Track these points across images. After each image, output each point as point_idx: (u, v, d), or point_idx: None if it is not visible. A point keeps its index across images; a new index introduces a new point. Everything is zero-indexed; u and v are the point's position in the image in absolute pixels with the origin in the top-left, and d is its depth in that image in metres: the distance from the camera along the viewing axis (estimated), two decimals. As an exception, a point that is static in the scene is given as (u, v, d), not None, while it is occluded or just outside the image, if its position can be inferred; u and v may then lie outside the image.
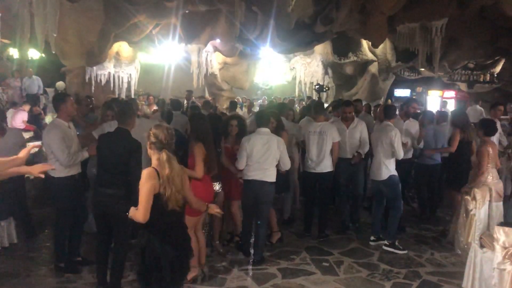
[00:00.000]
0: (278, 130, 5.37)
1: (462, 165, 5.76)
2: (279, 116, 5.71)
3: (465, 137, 5.82)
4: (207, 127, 4.33)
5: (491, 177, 4.68)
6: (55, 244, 4.63)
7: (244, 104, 14.58)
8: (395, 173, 5.39)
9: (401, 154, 5.30)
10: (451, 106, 14.39)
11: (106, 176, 3.99)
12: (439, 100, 15.95)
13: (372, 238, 5.56)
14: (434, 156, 6.47)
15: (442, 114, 7.05)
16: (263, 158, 4.69)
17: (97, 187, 4.09)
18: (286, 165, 4.92)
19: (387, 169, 5.34)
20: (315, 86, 11.49)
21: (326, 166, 5.56)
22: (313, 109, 6.28)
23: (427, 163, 6.53)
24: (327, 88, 13.20)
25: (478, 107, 12.46)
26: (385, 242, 5.37)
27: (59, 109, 4.44)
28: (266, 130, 4.84)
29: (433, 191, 6.78)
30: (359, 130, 5.88)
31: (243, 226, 5.03)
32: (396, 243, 5.34)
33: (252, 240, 4.94)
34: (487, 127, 4.97)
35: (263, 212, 4.87)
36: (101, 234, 4.15)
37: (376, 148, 5.46)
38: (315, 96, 12.90)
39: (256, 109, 11.94)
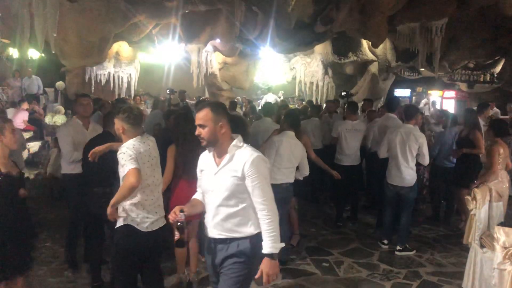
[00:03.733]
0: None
1: (471, 165, 5.75)
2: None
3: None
4: (185, 127, 4.01)
5: (500, 178, 4.59)
6: (66, 239, 4.76)
7: (244, 104, 14.58)
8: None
9: (428, 160, 5.25)
10: (444, 106, 14.42)
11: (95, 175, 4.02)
12: (428, 100, 15.90)
13: (385, 241, 5.46)
14: (451, 159, 6.30)
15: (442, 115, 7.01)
16: (291, 161, 4.61)
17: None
18: (306, 170, 4.85)
19: (414, 174, 5.24)
20: (341, 92, 11.36)
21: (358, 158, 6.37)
22: (347, 108, 6.77)
23: (443, 166, 6.40)
24: (353, 94, 13.00)
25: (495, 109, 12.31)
26: (397, 247, 5.29)
27: (74, 109, 4.87)
28: (292, 134, 4.71)
29: (450, 194, 6.57)
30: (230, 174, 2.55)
31: None
32: (407, 246, 5.32)
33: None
34: (498, 128, 4.92)
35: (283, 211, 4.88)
36: None
37: (403, 154, 5.11)
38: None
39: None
